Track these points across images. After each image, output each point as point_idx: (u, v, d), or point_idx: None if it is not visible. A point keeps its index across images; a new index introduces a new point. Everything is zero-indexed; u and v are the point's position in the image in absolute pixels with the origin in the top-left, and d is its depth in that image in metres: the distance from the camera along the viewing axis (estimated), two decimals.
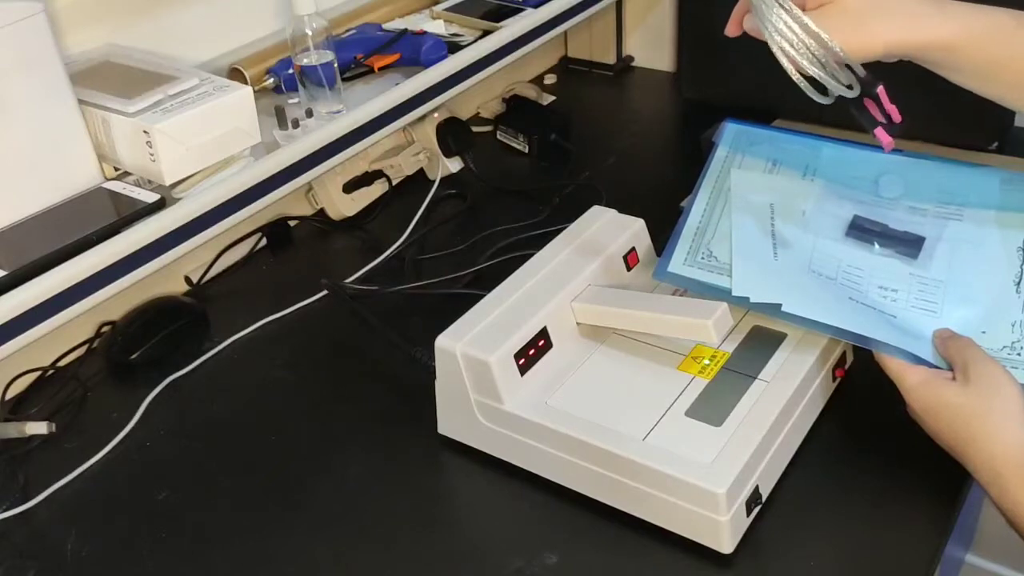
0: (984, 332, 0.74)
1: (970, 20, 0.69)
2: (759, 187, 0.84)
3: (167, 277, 0.99)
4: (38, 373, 0.91)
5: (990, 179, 0.80)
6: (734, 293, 0.77)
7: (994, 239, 0.78)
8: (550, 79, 1.48)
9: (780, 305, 0.75)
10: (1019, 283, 0.76)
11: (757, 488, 0.70)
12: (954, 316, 0.75)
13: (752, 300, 0.76)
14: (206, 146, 0.85)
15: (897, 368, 0.71)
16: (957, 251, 0.78)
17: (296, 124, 0.95)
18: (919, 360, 0.71)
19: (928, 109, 0.91)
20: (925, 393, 0.69)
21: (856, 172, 0.84)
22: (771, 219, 0.82)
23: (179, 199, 0.85)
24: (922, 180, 0.82)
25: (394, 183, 1.18)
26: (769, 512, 0.72)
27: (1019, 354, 0.73)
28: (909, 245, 0.79)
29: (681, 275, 0.80)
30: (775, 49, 0.68)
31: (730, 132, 0.88)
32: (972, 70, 0.70)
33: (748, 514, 0.70)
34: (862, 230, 0.81)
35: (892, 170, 0.83)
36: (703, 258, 0.81)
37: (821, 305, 0.75)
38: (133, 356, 0.93)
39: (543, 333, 0.77)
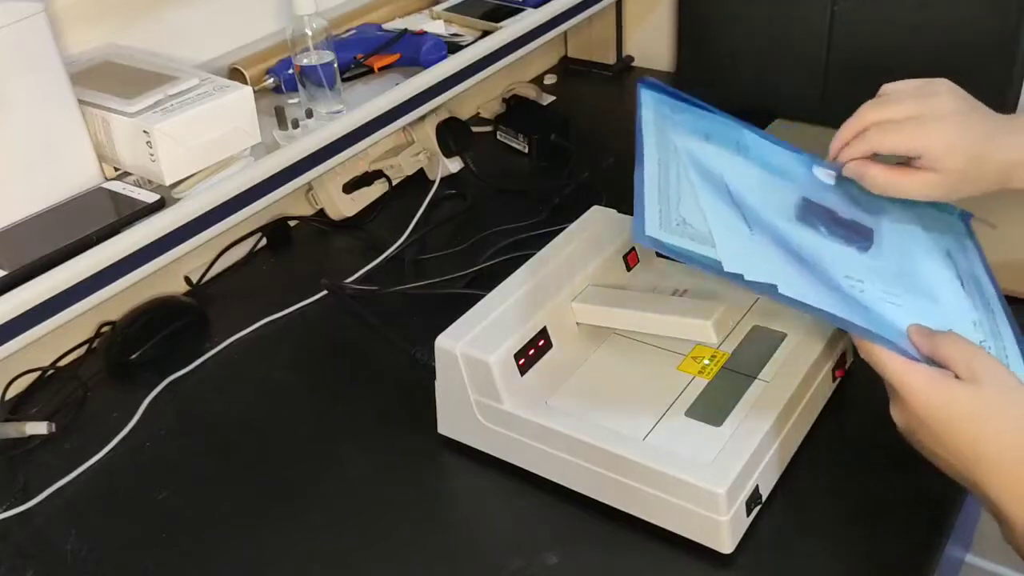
0: (951, 331, 0.65)
1: None
2: (707, 155, 0.75)
3: (167, 277, 0.99)
4: (38, 373, 0.91)
5: None
6: (727, 269, 0.65)
7: (925, 241, 0.74)
8: (550, 79, 1.48)
9: (776, 286, 0.65)
10: (963, 283, 0.71)
11: (757, 488, 0.70)
12: (917, 311, 0.67)
13: (747, 278, 0.65)
14: (206, 146, 0.85)
15: (899, 367, 0.60)
16: (900, 245, 0.73)
17: (296, 124, 0.95)
18: (913, 359, 0.63)
19: None
20: (933, 397, 0.59)
21: (783, 159, 0.78)
22: (729, 192, 0.72)
23: (179, 199, 0.85)
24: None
25: (394, 183, 1.18)
26: (769, 512, 0.72)
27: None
28: (860, 234, 0.73)
29: (663, 240, 0.67)
30: None
31: (647, 97, 0.79)
32: None
33: (748, 514, 0.70)
34: (813, 214, 0.73)
35: (823, 165, 0.78)
36: (678, 225, 0.69)
37: (814, 290, 0.66)
38: (133, 356, 0.93)
39: (543, 333, 0.77)
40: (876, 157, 0.73)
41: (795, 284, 0.66)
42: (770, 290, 0.64)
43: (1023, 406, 0.58)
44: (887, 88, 0.76)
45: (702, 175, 0.73)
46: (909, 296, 0.68)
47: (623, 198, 0.91)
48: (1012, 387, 0.59)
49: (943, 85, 0.74)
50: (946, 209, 0.80)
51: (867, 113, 0.74)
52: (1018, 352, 0.69)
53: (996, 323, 0.71)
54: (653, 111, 0.77)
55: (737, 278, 0.65)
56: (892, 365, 0.61)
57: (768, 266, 0.67)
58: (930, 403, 0.59)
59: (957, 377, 0.59)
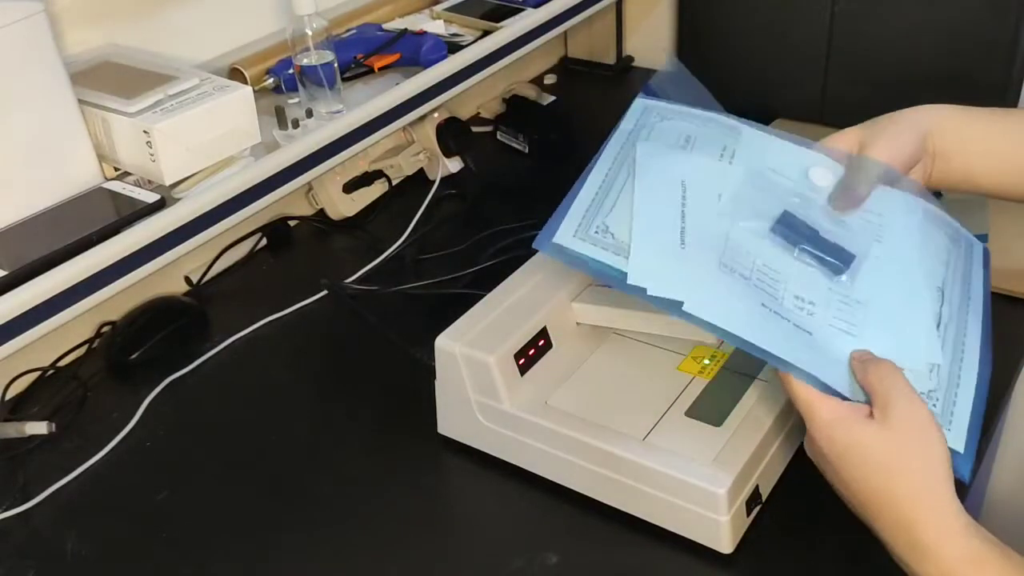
0: (890, 363, 0.63)
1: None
2: (670, 162, 0.72)
3: (167, 277, 0.98)
4: (38, 373, 0.91)
5: (914, 209, 0.72)
6: (630, 281, 0.64)
7: (916, 273, 0.69)
8: (550, 79, 1.48)
9: (681, 304, 0.63)
10: (939, 325, 0.67)
11: (757, 488, 0.70)
12: (875, 344, 0.64)
13: (649, 292, 0.64)
14: (206, 146, 0.85)
15: (807, 398, 0.61)
16: (882, 274, 0.68)
17: (296, 124, 0.95)
18: (831, 391, 0.61)
19: None
20: (837, 433, 0.59)
21: (781, 161, 0.73)
22: (682, 200, 0.69)
23: (179, 199, 0.85)
24: None
25: (394, 183, 1.18)
26: (769, 512, 0.72)
27: (934, 404, 0.63)
28: (838, 258, 0.68)
29: (569, 248, 0.67)
30: None
31: (638, 107, 0.77)
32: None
33: (748, 514, 0.70)
34: (790, 228, 0.69)
35: (823, 164, 0.73)
36: (597, 232, 0.68)
37: (728, 309, 0.64)
38: (133, 356, 0.93)
39: (543, 333, 0.77)
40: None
41: (709, 302, 0.64)
42: (673, 307, 0.63)
43: (925, 460, 0.58)
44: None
45: (651, 185, 0.70)
46: (870, 329, 0.66)
47: None
48: (918, 440, 0.58)
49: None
50: (960, 239, 0.75)
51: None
52: (968, 411, 0.64)
53: (960, 373, 0.66)
54: (635, 122, 0.76)
55: (640, 291, 0.64)
56: (801, 395, 0.61)
57: (682, 281, 0.65)
58: (832, 438, 0.59)
59: (872, 414, 0.59)
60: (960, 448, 0.62)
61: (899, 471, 0.57)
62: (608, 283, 0.66)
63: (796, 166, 0.73)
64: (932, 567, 0.56)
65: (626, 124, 0.76)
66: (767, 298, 0.65)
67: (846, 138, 0.72)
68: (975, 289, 0.73)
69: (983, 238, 0.75)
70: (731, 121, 0.76)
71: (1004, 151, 0.72)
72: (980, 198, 0.77)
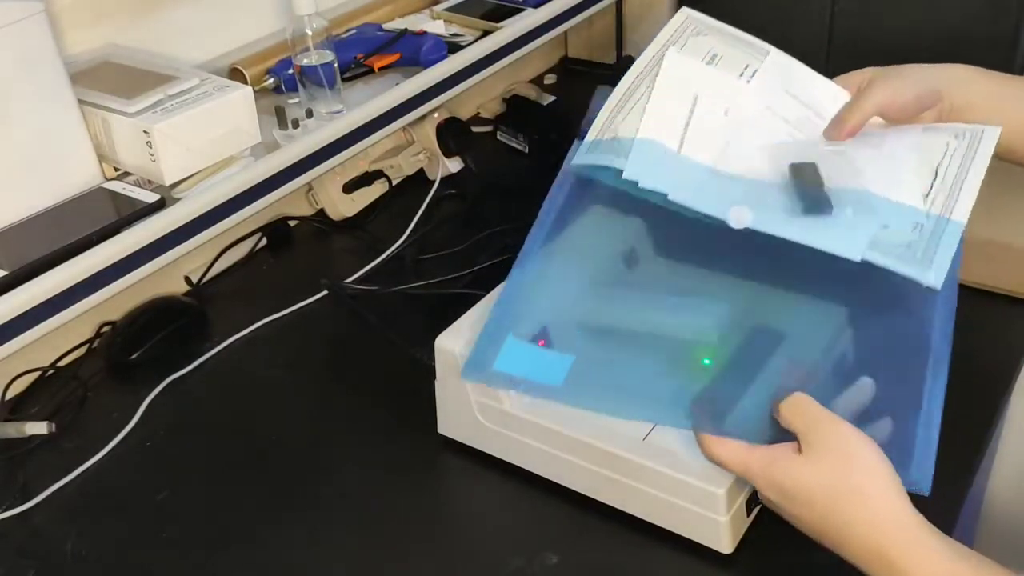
0: (886, 226, 0.67)
1: None
2: (689, 74, 0.77)
3: (167, 277, 0.98)
4: (38, 373, 0.91)
5: (913, 128, 0.75)
6: (625, 176, 0.71)
7: (910, 156, 0.72)
8: (550, 79, 1.48)
9: (666, 194, 0.69)
10: (927, 195, 0.69)
11: None
12: (870, 185, 0.69)
13: (640, 184, 0.70)
14: (206, 146, 0.85)
15: (740, 459, 0.62)
16: (878, 156, 0.73)
17: (296, 124, 0.95)
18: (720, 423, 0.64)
19: None
20: (776, 476, 0.60)
21: (799, 88, 0.77)
22: (691, 111, 0.75)
23: (179, 199, 0.85)
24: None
25: (394, 183, 1.18)
26: (769, 512, 0.72)
27: (915, 254, 0.66)
28: (815, 204, 0.70)
29: (582, 164, 0.75)
30: None
31: (679, 17, 0.81)
32: None
33: (748, 514, 0.70)
34: (789, 160, 0.73)
35: (837, 94, 0.77)
36: (609, 139, 0.74)
37: (710, 198, 0.69)
38: (133, 356, 0.93)
39: (543, 333, 0.77)
40: None
41: (694, 194, 0.70)
42: (660, 198, 0.70)
43: (862, 472, 0.58)
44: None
45: (666, 92, 0.75)
46: (866, 180, 0.70)
47: None
48: (848, 455, 0.58)
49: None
50: (964, 133, 0.74)
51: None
52: (949, 256, 0.66)
53: (944, 232, 0.68)
54: (672, 33, 0.80)
55: (631, 185, 0.71)
56: (727, 456, 0.62)
57: (673, 179, 0.71)
58: (773, 484, 0.60)
59: (800, 449, 0.60)
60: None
61: (845, 493, 0.58)
62: (605, 176, 0.72)
63: (813, 93, 0.77)
64: None
65: (663, 34, 0.80)
66: (752, 199, 0.69)
67: (860, 76, 0.77)
68: (974, 171, 0.72)
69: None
70: (761, 44, 0.80)
71: (1019, 115, 0.74)
72: None
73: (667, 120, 0.74)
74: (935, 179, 0.70)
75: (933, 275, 0.64)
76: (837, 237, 0.66)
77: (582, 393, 0.70)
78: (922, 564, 0.55)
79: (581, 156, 0.74)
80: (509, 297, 0.75)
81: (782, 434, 0.62)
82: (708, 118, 0.74)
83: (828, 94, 0.77)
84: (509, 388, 0.73)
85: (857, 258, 0.65)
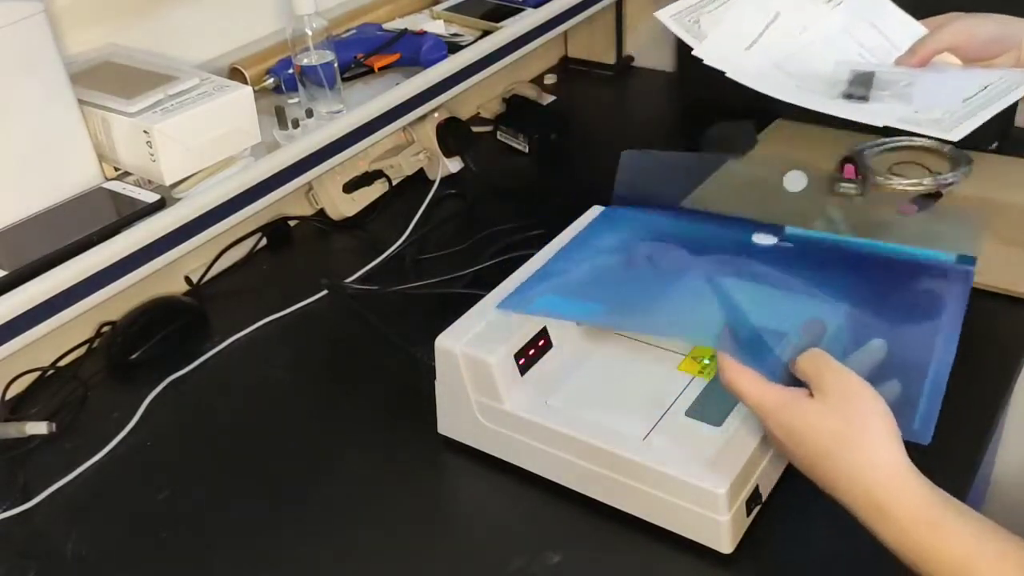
0: (917, 112, 0.79)
1: None
2: None
3: (167, 277, 0.99)
4: (38, 373, 0.91)
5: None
6: (695, 53, 0.86)
7: (962, 76, 0.83)
8: (550, 79, 1.48)
9: (725, 72, 0.83)
10: (968, 99, 0.79)
11: (757, 488, 0.70)
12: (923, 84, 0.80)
13: (705, 62, 0.84)
14: (206, 146, 0.85)
15: (756, 392, 0.64)
16: (931, 75, 0.83)
17: (296, 124, 0.95)
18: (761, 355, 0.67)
19: None
20: (784, 417, 0.63)
21: (884, 21, 0.87)
22: (768, 23, 0.87)
23: (179, 199, 0.85)
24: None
25: (394, 183, 1.18)
26: (769, 512, 0.72)
27: (940, 124, 0.77)
28: (860, 91, 0.82)
29: (662, 19, 0.90)
30: None
31: None
32: None
33: (748, 514, 0.70)
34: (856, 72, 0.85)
35: (916, 32, 0.87)
36: (690, 21, 0.88)
37: (766, 81, 0.81)
38: (133, 356, 0.93)
39: (543, 333, 0.77)
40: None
41: (750, 76, 0.83)
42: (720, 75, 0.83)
43: (865, 418, 0.60)
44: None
45: (749, 6, 0.89)
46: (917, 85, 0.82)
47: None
48: (853, 402, 0.61)
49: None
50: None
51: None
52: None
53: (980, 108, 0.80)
54: None
55: (698, 60, 0.85)
56: (748, 389, 0.65)
57: (734, 63, 0.83)
58: (782, 424, 0.63)
59: (811, 394, 0.63)
60: None
61: (843, 437, 0.60)
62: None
63: (894, 27, 0.86)
64: (892, 527, 0.57)
65: None
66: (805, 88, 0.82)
67: (943, 17, 0.85)
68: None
69: (971, 260, 0.78)
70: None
71: None
72: (973, 220, 0.85)
73: (746, 24, 0.86)
74: (981, 91, 0.79)
75: (955, 134, 0.74)
76: (866, 113, 0.78)
77: (620, 315, 0.75)
78: (906, 507, 0.57)
79: (665, 17, 0.89)
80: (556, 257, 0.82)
81: (796, 384, 0.65)
82: (784, 30, 0.85)
83: (908, 30, 0.86)
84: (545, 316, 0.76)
85: (880, 124, 0.76)
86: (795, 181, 0.86)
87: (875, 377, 0.64)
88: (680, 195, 0.92)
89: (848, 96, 0.82)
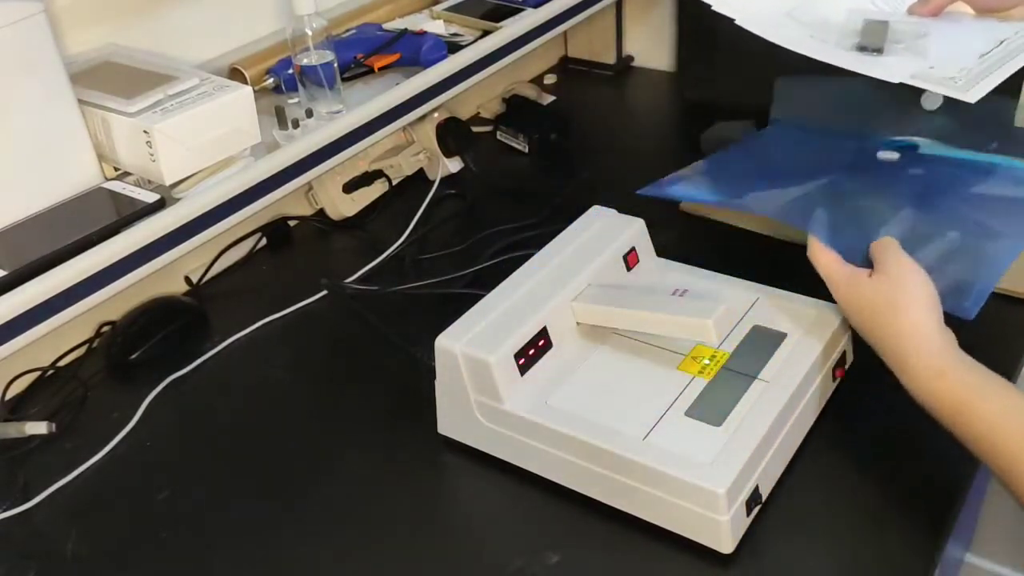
0: (932, 68, 0.80)
1: None
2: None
3: (167, 277, 0.99)
4: (38, 373, 0.91)
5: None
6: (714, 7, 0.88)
7: (975, 27, 0.85)
8: (550, 79, 1.48)
9: (734, 19, 0.84)
10: (984, 55, 0.80)
11: (757, 488, 0.70)
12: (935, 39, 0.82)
13: (713, 7, 0.87)
14: (206, 146, 0.85)
15: (827, 264, 0.77)
16: (946, 25, 0.85)
17: (296, 124, 0.95)
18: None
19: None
20: (849, 291, 0.75)
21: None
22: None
23: (179, 199, 0.85)
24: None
25: (394, 183, 1.18)
26: (769, 512, 0.72)
27: (957, 83, 0.78)
28: (875, 44, 0.84)
29: None
30: None
31: None
32: None
33: (748, 514, 0.70)
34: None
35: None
36: None
37: (777, 30, 0.82)
38: (133, 356, 0.93)
39: (543, 333, 0.77)
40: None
41: (760, 23, 0.85)
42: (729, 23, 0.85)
43: (914, 294, 0.71)
44: None
45: None
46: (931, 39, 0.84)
47: (623, 198, 0.92)
48: (907, 280, 0.72)
49: None
50: None
51: None
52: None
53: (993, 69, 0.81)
54: None
55: (706, 5, 0.87)
56: (823, 261, 0.77)
57: (744, 11, 0.85)
58: (845, 296, 0.76)
59: (871, 275, 0.74)
60: None
61: (887, 307, 0.72)
62: None
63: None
64: (909, 377, 0.69)
65: None
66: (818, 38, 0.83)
67: None
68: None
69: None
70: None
71: None
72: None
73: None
74: (997, 46, 0.80)
75: (972, 95, 0.75)
76: (881, 68, 0.79)
77: (742, 201, 0.88)
78: (923, 357, 0.68)
79: None
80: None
81: (868, 265, 0.76)
82: None
83: None
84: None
85: (896, 80, 0.78)
86: (931, 100, 0.89)
87: (944, 260, 0.76)
88: (834, 118, 0.98)
89: (862, 48, 0.82)
